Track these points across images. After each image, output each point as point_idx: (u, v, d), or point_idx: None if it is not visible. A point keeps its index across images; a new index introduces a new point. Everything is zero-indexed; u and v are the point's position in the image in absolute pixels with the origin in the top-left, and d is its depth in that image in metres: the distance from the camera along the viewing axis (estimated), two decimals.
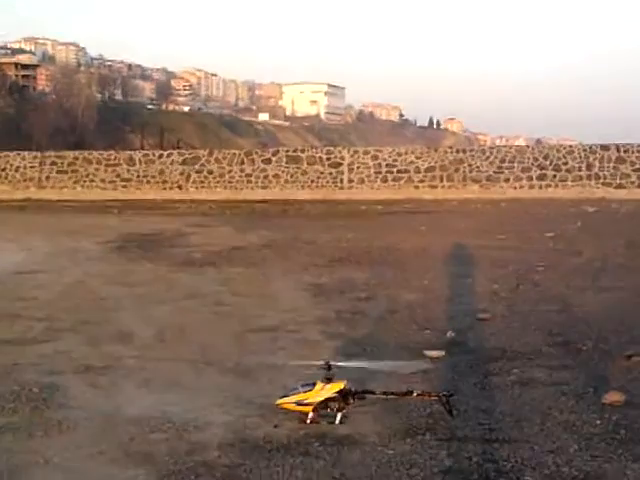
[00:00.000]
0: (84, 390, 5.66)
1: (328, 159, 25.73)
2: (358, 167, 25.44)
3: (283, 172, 25.90)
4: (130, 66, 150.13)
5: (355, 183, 25.41)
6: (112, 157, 27.61)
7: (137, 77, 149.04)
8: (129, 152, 29.39)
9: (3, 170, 28.12)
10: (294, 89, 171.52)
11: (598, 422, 4.78)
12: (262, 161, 26.17)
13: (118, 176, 27.14)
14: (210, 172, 26.40)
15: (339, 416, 4.82)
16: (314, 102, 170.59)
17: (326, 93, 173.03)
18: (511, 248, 12.63)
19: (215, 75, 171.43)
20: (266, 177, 25.97)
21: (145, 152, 29.90)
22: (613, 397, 5.11)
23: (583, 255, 11.79)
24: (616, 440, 4.49)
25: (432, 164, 25.06)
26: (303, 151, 26.92)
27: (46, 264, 11.84)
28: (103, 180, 27.21)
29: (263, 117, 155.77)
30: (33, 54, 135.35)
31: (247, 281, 10.29)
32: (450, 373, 5.94)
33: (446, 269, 10.81)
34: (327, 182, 25.58)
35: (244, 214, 20.87)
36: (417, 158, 25.26)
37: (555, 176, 24.38)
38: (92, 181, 27.32)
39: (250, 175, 26.10)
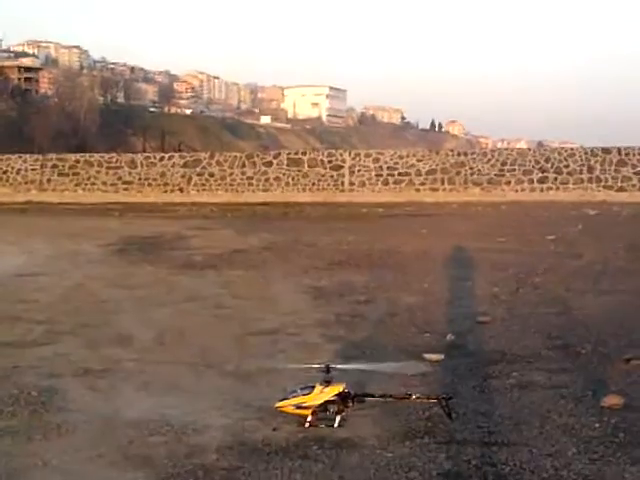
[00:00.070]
0: (83, 393, 5.67)
1: (329, 162, 25.74)
2: (359, 170, 25.45)
3: (284, 175, 25.90)
4: (133, 69, 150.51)
5: (356, 186, 25.41)
6: (114, 160, 27.62)
7: (140, 80, 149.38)
8: (131, 155, 29.37)
9: (5, 173, 28.14)
10: (296, 92, 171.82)
11: (597, 425, 4.78)
12: (263, 164, 26.18)
13: (119, 179, 27.15)
14: (211, 175, 26.41)
15: (338, 419, 4.82)
16: (316, 105, 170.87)
17: (328, 96, 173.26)
18: (511, 251, 12.62)
19: (217, 78, 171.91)
20: (267, 180, 25.98)
21: (147, 155, 29.92)
22: (612, 400, 5.11)
23: (583, 258, 11.78)
24: (615, 443, 4.49)
25: (433, 167, 25.06)
26: (304, 154, 26.91)
27: (47, 267, 11.85)
28: (104, 183, 27.22)
29: (265, 120, 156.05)
30: (36, 57, 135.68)
31: (247, 284, 10.30)
32: (449, 376, 5.93)
33: (446, 272, 10.81)
34: (328, 185, 25.58)
35: (245, 217, 20.88)
36: (418, 161, 25.26)
37: (556, 179, 24.36)
38: (93, 184, 27.34)
39: (251, 178, 26.11)
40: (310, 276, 10.64)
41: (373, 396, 5.01)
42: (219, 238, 15.38)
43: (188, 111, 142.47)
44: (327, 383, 4.86)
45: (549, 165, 24.48)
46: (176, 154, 30.01)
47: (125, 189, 27.02)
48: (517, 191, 24.36)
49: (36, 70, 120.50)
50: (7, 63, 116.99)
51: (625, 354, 6.25)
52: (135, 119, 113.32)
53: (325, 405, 4.82)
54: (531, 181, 24.49)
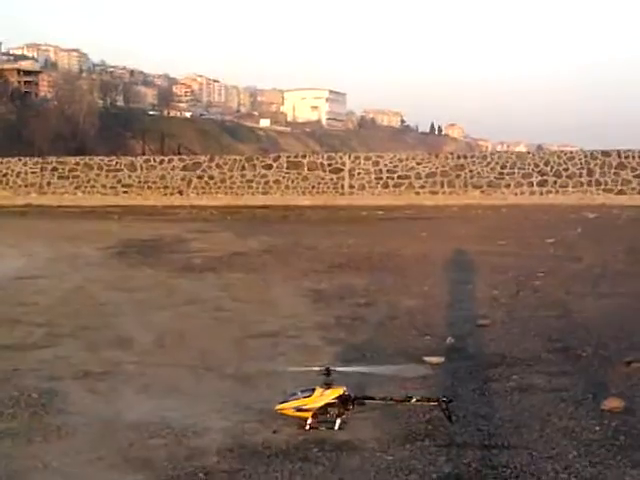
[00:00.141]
0: (83, 396, 5.66)
1: (329, 165, 25.77)
2: (359, 173, 25.48)
3: (284, 178, 25.93)
4: (132, 72, 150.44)
5: (356, 189, 25.44)
6: (113, 163, 27.64)
7: (139, 83, 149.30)
8: (130, 158, 29.39)
9: (4, 176, 28.17)
10: (295, 95, 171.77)
11: (597, 428, 4.77)
12: (263, 167, 26.20)
13: (119, 182, 27.18)
14: (211, 178, 26.43)
15: (338, 422, 4.82)
16: (315, 108, 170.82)
17: (327, 99, 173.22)
18: (511, 254, 12.63)
19: (217, 81, 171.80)
20: (267, 183, 26.00)
21: (146, 158, 29.91)
22: (612, 403, 5.10)
23: (583, 261, 11.79)
24: (615, 446, 4.49)
25: (433, 170, 25.09)
26: (304, 157, 26.95)
27: (47, 269, 11.85)
28: (104, 186, 27.24)
29: (264, 123, 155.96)
30: (35, 60, 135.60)
31: (247, 287, 10.30)
32: (449, 379, 5.93)
33: (446, 275, 10.82)
34: (328, 188, 25.61)
35: (245, 220, 20.89)
36: (418, 164, 25.29)
37: (556, 182, 24.39)
38: (93, 187, 27.36)
39: (251, 181, 26.13)
40: (310, 279, 10.64)
41: (373, 399, 5.00)
42: (219, 241, 15.38)
43: (188, 114, 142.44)
44: (327, 386, 4.86)
45: (548, 168, 24.50)
46: (176, 157, 30.08)
47: (125, 192, 27.03)
48: (517, 194, 24.39)
49: (35, 73, 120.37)
50: (6, 66, 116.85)
51: (625, 357, 6.25)
52: (134, 122, 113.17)
53: (325, 408, 4.82)
54: (531, 184, 24.52)
